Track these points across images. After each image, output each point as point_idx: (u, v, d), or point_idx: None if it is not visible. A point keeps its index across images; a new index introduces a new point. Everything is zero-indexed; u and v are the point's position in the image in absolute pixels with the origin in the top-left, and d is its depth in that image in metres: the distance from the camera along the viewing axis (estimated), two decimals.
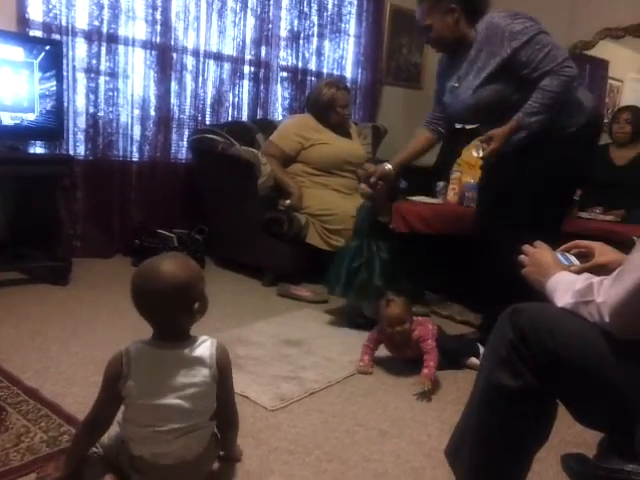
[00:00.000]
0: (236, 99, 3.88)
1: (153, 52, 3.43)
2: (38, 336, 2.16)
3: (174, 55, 3.51)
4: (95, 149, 3.32)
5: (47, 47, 2.81)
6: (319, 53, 4.28)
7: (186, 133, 3.66)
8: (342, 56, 4.42)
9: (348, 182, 3.30)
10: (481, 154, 2.12)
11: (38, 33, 3.01)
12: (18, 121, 2.74)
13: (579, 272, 1.14)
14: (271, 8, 3.93)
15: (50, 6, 3.01)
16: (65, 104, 3.07)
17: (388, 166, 2.44)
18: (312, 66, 4.25)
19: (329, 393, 1.89)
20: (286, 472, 1.43)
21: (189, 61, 3.61)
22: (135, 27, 3.34)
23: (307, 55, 4.21)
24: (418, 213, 2.87)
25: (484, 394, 1.10)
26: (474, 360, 2.14)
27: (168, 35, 3.45)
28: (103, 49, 3.22)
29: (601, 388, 0.98)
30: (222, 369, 1.24)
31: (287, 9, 4.05)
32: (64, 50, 3.01)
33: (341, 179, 3.29)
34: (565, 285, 1.09)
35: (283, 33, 4.07)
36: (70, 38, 3.10)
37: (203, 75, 3.68)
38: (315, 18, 4.20)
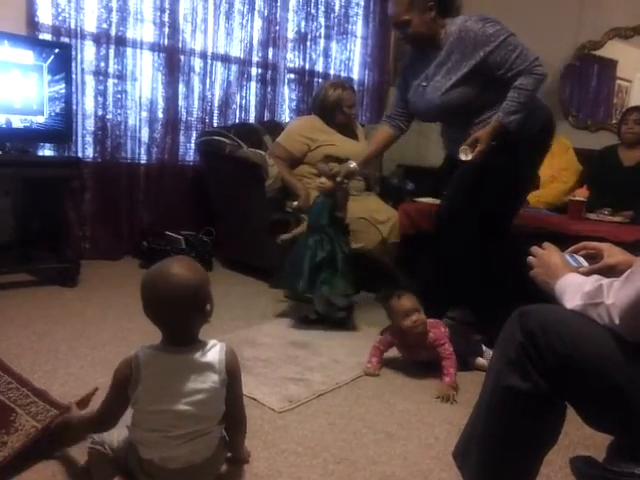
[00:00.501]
0: (243, 101, 3.90)
1: (161, 54, 3.45)
2: (47, 337, 2.17)
3: (182, 57, 3.53)
4: (103, 151, 3.34)
5: (56, 50, 2.83)
6: (326, 55, 4.28)
7: (194, 135, 3.68)
8: (349, 57, 4.43)
9: (355, 183, 3.29)
10: (469, 157, 2.15)
11: (47, 36, 3.03)
12: (27, 124, 2.76)
13: (588, 274, 1.14)
14: (278, 10, 3.94)
15: (59, 9, 3.03)
16: (74, 107, 3.09)
17: (353, 164, 2.47)
18: (319, 68, 4.26)
19: (336, 395, 1.89)
20: (294, 474, 1.43)
21: (197, 63, 3.63)
22: (143, 30, 3.36)
23: (314, 57, 4.21)
24: (425, 213, 2.87)
25: (493, 396, 1.10)
26: (482, 361, 2.14)
27: (176, 37, 3.47)
28: (111, 52, 3.25)
29: (610, 390, 0.97)
30: (231, 374, 1.24)
31: (294, 11, 4.06)
32: (73, 53, 3.03)
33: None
34: (574, 287, 1.08)
35: (290, 35, 4.08)
36: (79, 41, 3.12)
37: (210, 77, 3.70)
38: (322, 20, 4.21)
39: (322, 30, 4.23)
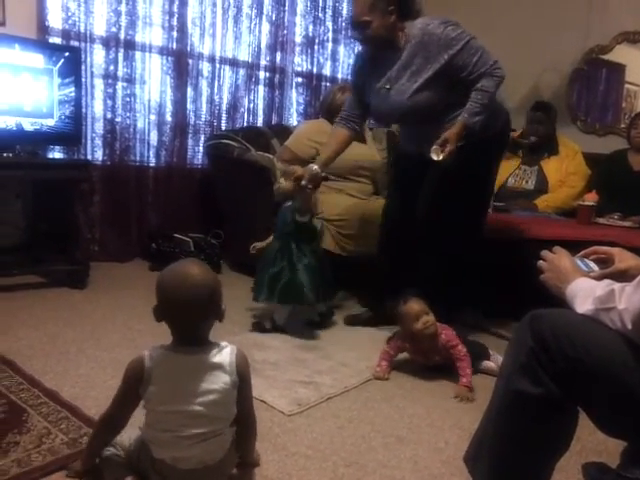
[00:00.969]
0: (251, 104, 3.92)
1: (169, 58, 3.47)
2: (57, 339, 2.18)
3: (190, 61, 3.55)
4: (112, 154, 3.36)
5: (66, 54, 2.85)
6: (334, 58, 4.30)
7: (202, 138, 3.70)
8: None
9: (363, 187, 3.30)
10: (441, 157, 2.18)
11: (57, 40, 3.06)
12: (38, 127, 2.78)
13: (599, 278, 1.13)
14: (286, 14, 3.96)
15: (69, 13, 3.06)
16: (83, 110, 3.11)
17: (315, 167, 2.47)
18: (327, 71, 4.27)
19: (346, 398, 1.89)
20: (304, 477, 1.43)
21: (205, 67, 3.65)
22: (152, 33, 3.39)
23: (322, 60, 4.23)
24: None
25: (504, 401, 1.10)
26: (489, 364, 2.14)
27: (184, 41, 3.49)
28: (120, 55, 3.27)
29: (622, 396, 0.97)
30: (242, 376, 1.25)
31: (302, 15, 4.09)
32: (82, 56, 3.06)
33: (356, 184, 3.29)
34: (585, 291, 1.08)
35: (298, 39, 4.11)
36: (88, 45, 3.15)
37: (219, 81, 3.72)
38: (330, 24, 4.24)
39: (329, 34, 4.25)
